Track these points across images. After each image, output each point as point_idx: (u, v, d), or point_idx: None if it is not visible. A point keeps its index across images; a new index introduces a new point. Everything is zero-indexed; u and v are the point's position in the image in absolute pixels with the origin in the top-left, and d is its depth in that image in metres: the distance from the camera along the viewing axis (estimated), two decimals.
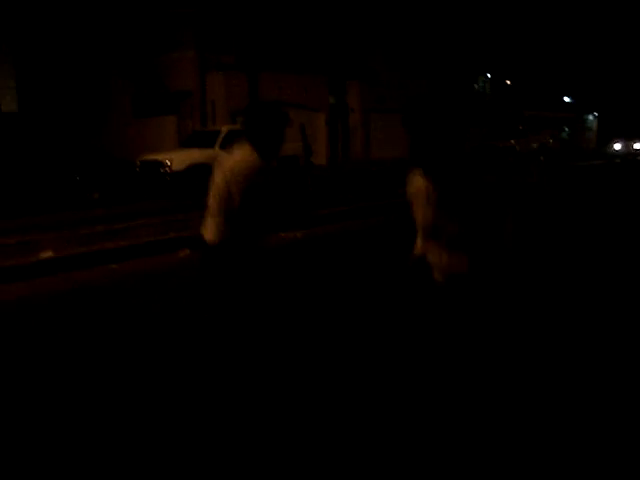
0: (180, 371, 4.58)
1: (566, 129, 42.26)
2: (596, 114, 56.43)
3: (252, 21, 24.73)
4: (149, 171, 17.14)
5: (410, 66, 33.60)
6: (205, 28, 25.28)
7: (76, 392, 4.35)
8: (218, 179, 3.63)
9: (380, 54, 32.20)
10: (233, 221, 3.60)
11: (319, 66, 28.50)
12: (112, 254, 8.94)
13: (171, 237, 9.95)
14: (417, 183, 3.08)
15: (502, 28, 38.63)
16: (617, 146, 46.25)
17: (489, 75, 45.53)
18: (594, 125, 55.99)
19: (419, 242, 3.26)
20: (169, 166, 16.65)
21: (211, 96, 25.38)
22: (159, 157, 17.27)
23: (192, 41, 25.43)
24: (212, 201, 3.69)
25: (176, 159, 16.78)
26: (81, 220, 12.01)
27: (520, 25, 39.72)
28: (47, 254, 8.56)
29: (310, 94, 28.36)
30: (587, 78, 48.69)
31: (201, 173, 16.85)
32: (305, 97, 27.91)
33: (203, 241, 3.76)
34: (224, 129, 18.14)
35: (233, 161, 3.62)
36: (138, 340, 5.41)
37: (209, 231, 3.72)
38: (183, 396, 4.14)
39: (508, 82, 46.02)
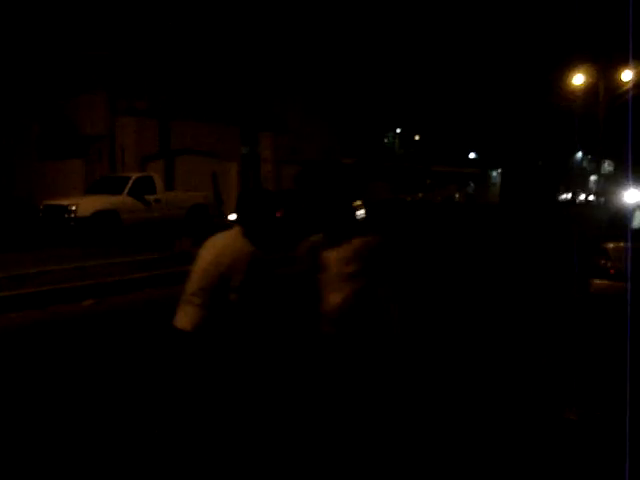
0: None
1: (471, 184, 43.88)
2: (499, 170, 59.16)
3: (166, 68, 24.66)
4: (53, 216, 16.51)
5: (322, 119, 34.23)
6: (117, 72, 24.99)
7: None
8: (206, 264, 3.39)
9: (292, 106, 32.66)
10: (223, 310, 3.31)
11: (232, 116, 28.64)
12: (12, 301, 8.54)
13: (75, 286, 9.60)
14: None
15: (413, 84, 40.02)
16: None
17: (398, 130, 47.00)
18: (498, 180, 58.58)
19: None
20: (74, 211, 16.11)
21: (121, 141, 24.95)
22: (64, 202, 16.68)
23: (103, 85, 25.05)
24: (193, 286, 3.42)
25: (82, 204, 16.26)
26: None
27: (429, 81, 41.25)
28: None
29: (222, 143, 28.35)
30: (491, 135, 50.82)
31: (107, 220, 16.42)
32: (217, 146, 27.87)
33: (174, 329, 3.44)
34: (133, 176, 17.85)
35: (232, 248, 3.37)
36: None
37: (185, 317, 3.41)
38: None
39: (417, 137, 47.62)
